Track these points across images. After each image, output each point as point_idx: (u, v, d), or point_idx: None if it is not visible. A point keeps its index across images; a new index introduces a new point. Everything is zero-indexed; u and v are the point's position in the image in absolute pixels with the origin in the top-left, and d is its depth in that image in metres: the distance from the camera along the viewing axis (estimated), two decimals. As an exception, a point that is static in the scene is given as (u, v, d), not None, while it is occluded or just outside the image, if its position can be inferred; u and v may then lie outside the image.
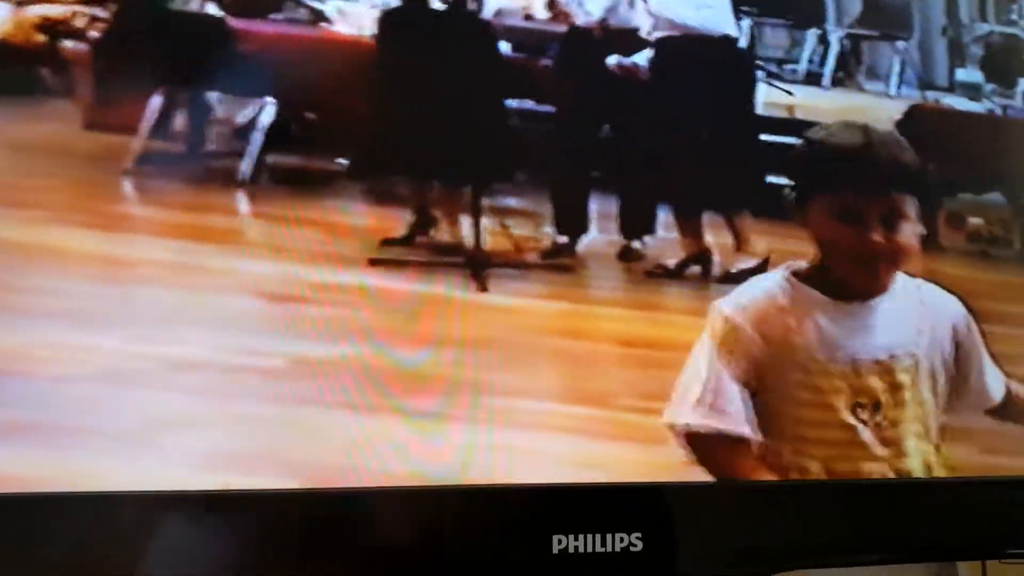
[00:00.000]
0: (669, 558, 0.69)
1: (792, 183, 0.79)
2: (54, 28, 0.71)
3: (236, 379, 0.67)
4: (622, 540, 0.67)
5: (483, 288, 0.73)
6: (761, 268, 0.80)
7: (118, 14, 0.71)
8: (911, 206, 0.77)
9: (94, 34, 0.71)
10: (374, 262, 0.71)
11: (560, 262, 0.76)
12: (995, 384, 0.81)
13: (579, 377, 0.73)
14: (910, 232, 0.77)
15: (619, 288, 0.77)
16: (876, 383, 0.76)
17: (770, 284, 0.77)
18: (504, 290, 0.74)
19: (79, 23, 0.71)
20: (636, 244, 0.78)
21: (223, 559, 0.64)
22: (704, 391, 0.73)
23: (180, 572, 0.63)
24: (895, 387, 0.77)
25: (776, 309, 0.76)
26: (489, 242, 0.75)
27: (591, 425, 0.72)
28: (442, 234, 0.74)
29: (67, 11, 0.72)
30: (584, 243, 0.77)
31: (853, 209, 0.76)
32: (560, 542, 0.66)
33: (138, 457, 0.64)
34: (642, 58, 0.81)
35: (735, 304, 0.75)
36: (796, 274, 0.77)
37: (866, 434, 0.76)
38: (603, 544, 0.66)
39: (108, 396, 0.64)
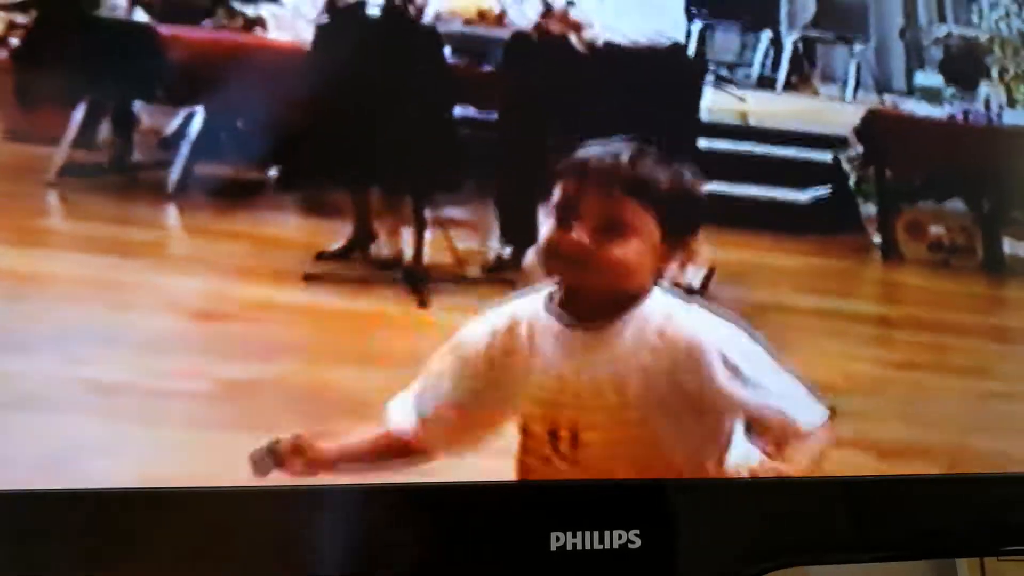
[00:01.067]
0: (667, 555, 0.67)
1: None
2: (-28, 34, 0.67)
3: (160, 403, 0.62)
4: (620, 537, 0.65)
5: (423, 304, 0.69)
6: (707, 278, 0.75)
7: (39, 20, 0.66)
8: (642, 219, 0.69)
9: (14, 41, 0.66)
10: (308, 277, 0.67)
11: (503, 276, 0.71)
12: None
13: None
14: (637, 248, 0.69)
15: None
16: (576, 407, 0.69)
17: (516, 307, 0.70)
18: (444, 305, 0.69)
19: (-2, 29, 0.67)
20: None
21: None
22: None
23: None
24: (601, 410, 0.69)
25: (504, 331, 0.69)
26: (430, 255, 0.70)
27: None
28: (381, 247, 0.69)
29: (-14, 17, 0.67)
30: (530, 256, 0.72)
31: (568, 204, 0.68)
32: (558, 539, 0.64)
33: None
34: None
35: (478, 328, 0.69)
36: (549, 296, 0.69)
37: (561, 464, 0.68)
38: (601, 541, 0.64)
39: (23, 422, 0.60)
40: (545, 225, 0.68)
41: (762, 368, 0.70)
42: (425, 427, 0.66)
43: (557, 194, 0.68)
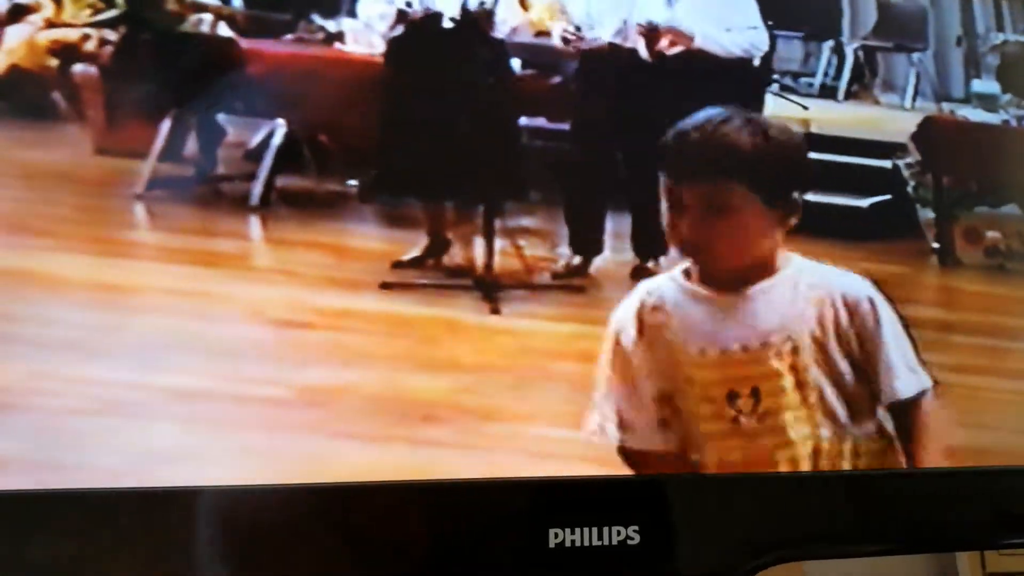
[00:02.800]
0: (666, 551, 0.63)
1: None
2: (65, 52, 0.65)
3: (241, 409, 0.60)
4: (619, 533, 0.61)
5: (495, 311, 0.66)
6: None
7: (127, 37, 0.64)
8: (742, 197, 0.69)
9: (104, 58, 0.64)
10: (385, 286, 0.64)
11: (572, 283, 0.68)
12: (902, 380, 0.71)
13: (589, 403, 0.66)
14: (737, 223, 0.69)
15: (631, 309, 0.69)
16: (751, 371, 0.69)
17: (651, 286, 0.69)
18: (516, 312, 0.66)
19: (89, 47, 0.65)
20: (650, 263, 0.70)
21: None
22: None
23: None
24: (770, 375, 0.69)
25: (650, 310, 0.68)
26: (501, 263, 0.67)
27: (600, 452, 0.65)
28: (453, 256, 0.67)
29: (78, 35, 0.65)
30: (597, 264, 0.69)
31: (672, 191, 0.68)
32: (557, 536, 0.60)
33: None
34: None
35: (620, 317, 0.68)
36: (685, 272, 0.69)
37: (747, 423, 0.68)
38: (600, 538, 0.61)
39: (106, 428, 0.58)
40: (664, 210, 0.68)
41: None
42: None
43: (663, 180, 0.68)
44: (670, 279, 0.69)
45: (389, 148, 0.67)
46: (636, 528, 0.62)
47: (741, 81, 0.77)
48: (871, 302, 0.71)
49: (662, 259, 0.71)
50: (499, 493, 0.63)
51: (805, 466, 0.69)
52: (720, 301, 0.69)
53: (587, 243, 0.70)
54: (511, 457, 0.64)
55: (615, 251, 0.70)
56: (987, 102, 0.83)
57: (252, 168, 0.65)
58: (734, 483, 0.69)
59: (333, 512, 0.60)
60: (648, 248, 0.71)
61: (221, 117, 0.65)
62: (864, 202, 0.78)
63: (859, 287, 0.71)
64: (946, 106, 0.82)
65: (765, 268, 0.70)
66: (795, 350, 0.69)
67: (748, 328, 0.69)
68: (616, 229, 0.71)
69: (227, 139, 0.65)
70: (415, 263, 0.66)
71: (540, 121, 0.71)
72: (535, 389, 0.66)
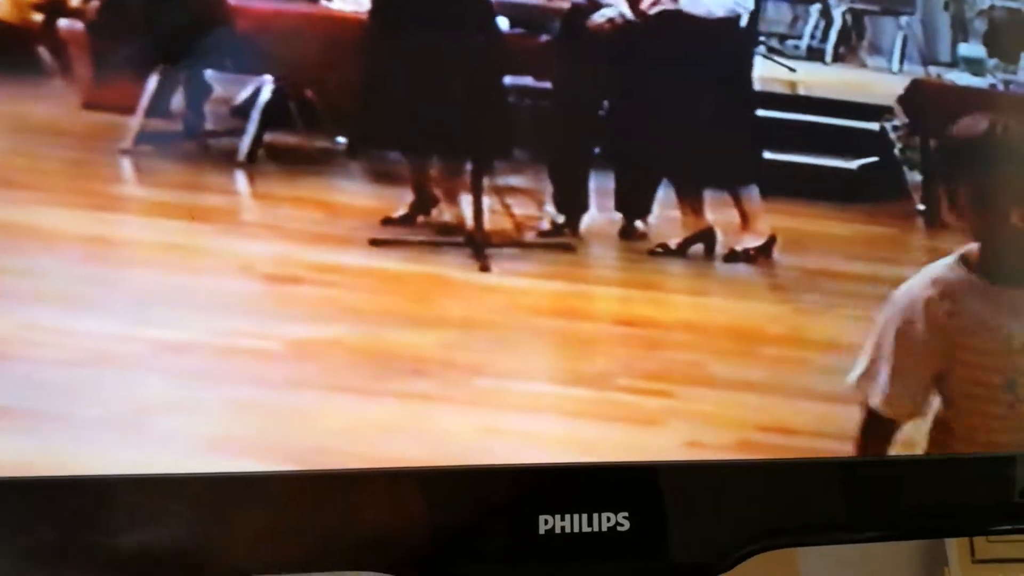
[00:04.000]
0: (656, 538, 0.64)
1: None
2: (50, 7, 0.65)
3: (230, 362, 0.61)
4: (609, 520, 0.62)
5: (485, 268, 0.67)
6: (767, 247, 0.73)
7: (114, -8, 0.64)
8: None
9: (90, 13, 0.64)
10: (375, 242, 0.65)
11: (561, 241, 0.69)
12: None
13: (577, 358, 0.67)
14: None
15: (620, 267, 0.70)
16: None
17: (936, 271, 0.75)
18: (505, 270, 0.67)
19: (75, 2, 0.65)
20: (638, 223, 0.71)
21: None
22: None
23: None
24: None
25: (938, 294, 0.74)
26: (491, 221, 0.68)
27: (588, 407, 0.66)
28: (443, 214, 0.67)
29: (63, -11, 0.65)
30: (585, 222, 0.70)
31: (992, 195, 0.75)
32: (547, 522, 0.61)
33: (125, 443, 0.58)
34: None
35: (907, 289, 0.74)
36: (964, 260, 0.75)
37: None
38: (590, 524, 0.62)
39: (95, 380, 0.59)
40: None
41: None
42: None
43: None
44: (951, 267, 0.75)
45: (376, 104, 0.67)
46: (626, 515, 0.63)
47: (728, 42, 0.77)
48: None
49: (651, 218, 0.72)
50: (489, 479, 0.64)
51: None
52: (1006, 293, 0.75)
53: (571, 202, 0.70)
54: (498, 411, 0.65)
55: (604, 210, 0.71)
56: (974, 66, 0.84)
57: (239, 124, 0.65)
58: (724, 470, 0.69)
59: (320, 499, 0.61)
60: (633, 207, 0.72)
61: (208, 73, 0.65)
62: (853, 164, 0.78)
63: None
64: (933, 70, 0.83)
65: None
66: None
67: None
68: (603, 188, 0.71)
69: (214, 95, 0.65)
70: (405, 220, 0.66)
71: (526, 80, 0.71)
72: (523, 345, 0.66)
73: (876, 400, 0.72)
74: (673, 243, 0.72)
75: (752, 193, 0.75)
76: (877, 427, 0.73)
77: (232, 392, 0.60)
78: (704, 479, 0.68)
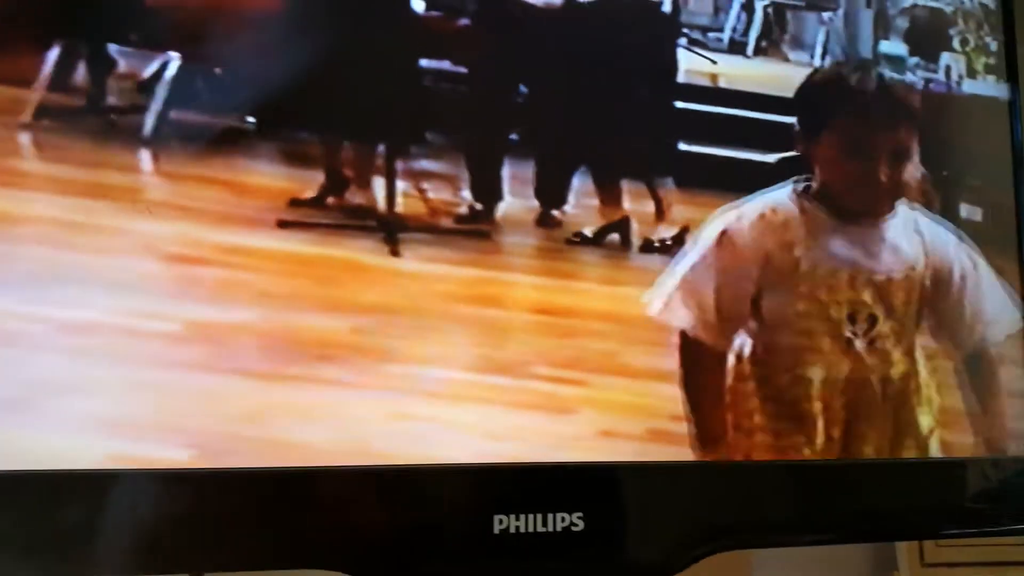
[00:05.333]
0: (611, 538, 0.66)
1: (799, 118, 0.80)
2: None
3: (130, 343, 0.60)
4: (563, 520, 0.63)
5: (395, 252, 0.66)
6: (680, 237, 0.74)
7: (14, -39, 0.63)
8: (916, 143, 0.80)
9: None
10: (283, 224, 0.64)
11: (477, 228, 0.69)
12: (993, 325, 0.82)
13: (491, 345, 0.67)
14: (913, 169, 0.79)
15: (536, 255, 0.70)
16: (871, 299, 0.76)
17: (774, 197, 0.77)
18: (417, 255, 0.67)
19: (-28, -30, 0.63)
20: (555, 211, 0.71)
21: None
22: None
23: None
24: (890, 308, 0.77)
25: (779, 222, 0.76)
26: (404, 206, 0.67)
27: (502, 395, 0.66)
28: (355, 197, 0.67)
29: (-39, -43, 0.63)
30: (502, 209, 0.70)
31: (863, 145, 0.79)
32: (501, 522, 0.62)
33: (20, 423, 0.57)
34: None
35: (735, 218, 0.76)
36: (803, 192, 0.78)
37: (858, 345, 0.76)
38: (544, 524, 0.63)
39: (-8, 358, 0.57)
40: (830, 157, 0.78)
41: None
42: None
43: (844, 131, 0.79)
44: (791, 197, 0.77)
45: (287, 84, 0.67)
46: (581, 515, 0.64)
47: (649, 31, 0.78)
48: (971, 256, 0.81)
49: (566, 207, 0.72)
50: (443, 479, 0.64)
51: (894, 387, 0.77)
52: (846, 230, 0.77)
53: (486, 189, 0.70)
54: (409, 398, 0.64)
55: (521, 197, 0.71)
56: (895, 64, 0.86)
57: (145, 100, 0.64)
58: (679, 471, 0.70)
59: (275, 497, 0.61)
60: (550, 196, 0.72)
61: (112, 48, 0.64)
62: (771, 157, 0.79)
63: (958, 243, 0.81)
64: (856, 66, 0.84)
65: (890, 206, 0.79)
66: (912, 289, 0.78)
67: (873, 260, 0.78)
68: (520, 175, 0.71)
69: (118, 70, 0.64)
70: (315, 202, 0.66)
71: (444, 64, 0.71)
72: (437, 332, 0.66)
73: (689, 324, 0.73)
74: (589, 232, 0.72)
75: (669, 184, 0.75)
76: (697, 354, 0.73)
77: (131, 374, 0.59)
78: (658, 480, 0.69)
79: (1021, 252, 0.86)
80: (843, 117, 0.81)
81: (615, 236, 0.73)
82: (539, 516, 0.63)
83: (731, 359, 0.74)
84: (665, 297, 0.72)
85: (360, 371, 0.64)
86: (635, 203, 0.74)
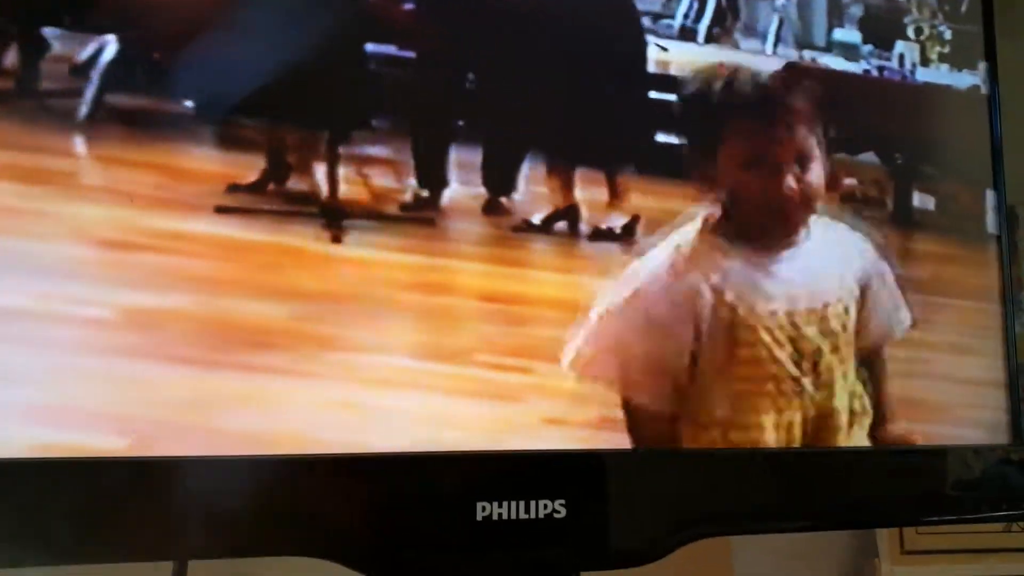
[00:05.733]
0: (593, 525, 0.66)
1: (689, 137, 0.76)
2: None
3: (61, 329, 0.59)
4: (546, 507, 0.64)
5: (337, 239, 0.65)
6: (630, 226, 0.73)
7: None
8: (817, 147, 0.76)
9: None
10: (221, 209, 0.63)
11: (422, 215, 0.68)
12: (899, 324, 0.80)
13: (436, 333, 0.66)
14: (818, 173, 0.76)
15: (482, 242, 0.69)
16: (813, 333, 0.74)
17: (681, 240, 0.74)
18: (360, 242, 0.66)
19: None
20: (503, 198, 0.71)
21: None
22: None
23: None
24: (831, 335, 0.75)
25: (683, 266, 0.73)
26: (347, 192, 0.66)
27: (447, 382, 0.66)
28: (296, 182, 0.66)
29: None
30: (448, 196, 0.69)
31: (763, 155, 0.75)
32: (484, 509, 0.63)
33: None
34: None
35: (640, 276, 0.73)
36: (713, 228, 0.74)
37: (807, 383, 0.74)
38: (527, 511, 0.63)
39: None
40: (729, 172, 0.74)
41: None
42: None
43: (741, 141, 0.75)
44: (700, 236, 0.74)
45: (228, 67, 0.66)
46: (563, 502, 0.64)
47: (613, 14, 0.77)
48: (883, 271, 0.79)
49: (514, 195, 0.71)
50: (426, 466, 0.64)
51: (842, 435, 0.75)
52: (768, 259, 0.75)
53: (432, 175, 0.69)
54: (350, 386, 0.63)
55: (467, 184, 0.70)
56: (849, 51, 0.86)
57: (80, 84, 0.63)
58: (659, 458, 0.70)
59: (259, 484, 0.61)
60: (498, 183, 0.71)
61: (47, 30, 0.63)
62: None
63: (868, 247, 0.79)
64: (807, 54, 0.84)
65: (802, 223, 0.76)
66: (846, 311, 0.76)
67: (805, 289, 0.75)
68: (466, 162, 0.70)
69: (52, 53, 0.63)
70: (255, 187, 0.65)
71: (390, 48, 0.70)
72: (379, 319, 0.65)
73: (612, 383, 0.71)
74: (537, 219, 0.72)
75: (627, 172, 0.75)
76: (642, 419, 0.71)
77: (62, 360, 0.58)
78: (640, 468, 0.70)
79: (1000, 245, 0.87)
80: (735, 129, 0.77)
81: (563, 224, 0.72)
82: (522, 503, 0.63)
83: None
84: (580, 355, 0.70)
85: (299, 359, 0.63)
86: (585, 190, 0.73)
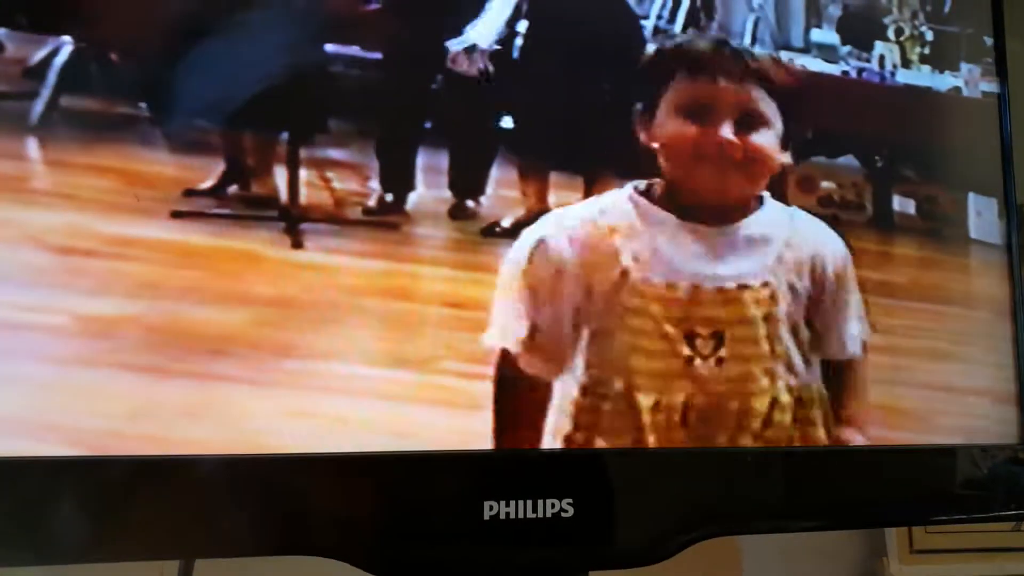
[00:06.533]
0: (600, 524, 0.66)
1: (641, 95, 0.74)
2: None
3: (14, 337, 0.58)
4: (553, 506, 0.64)
5: (297, 244, 0.64)
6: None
7: None
8: (769, 109, 0.73)
9: None
10: (177, 214, 0.62)
11: (386, 219, 0.67)
12: (854, 337, 0.76)
13: (398, 340, 0.65)
14: (767, 137, 0.73)
15: (448, 247, 0.68)
16: (719, 313, 0.70)
17: (609, 201, 0.71)
18: (322, 247, 0.65)
19: None
20: (470, 202, 0.70)
21: None
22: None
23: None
24: (743, 320, 0.71)
25: (606, 230, 0.70)
26: (308, 196, 0.65)
27: (408, 390, 0.65)
28: (255, 186, 0.65)
29: None
30: (413, 200, 0.68)
31: (702, 102, 0.71)
32: (491, 508, 0.63)
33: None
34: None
35: (556, 229, 0.70)
36: (643, 192, 0.71)
37: (703, 367, 0.70)
38: (534, 510, 0.63)
39: None
40: (667, 124, 0.71)
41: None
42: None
43: (677, 91, 0.71)
44: (629, 199, 0.70)
45: (185, 69, 0.65)
46: (570, 501, 0.64)
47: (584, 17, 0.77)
48: (845, 260, 0.76)
49: (482, 199, 0.70)
50: (434, 465, 0.64)
51: (756, 418, 0.72)
52: (696, 231, 0.71)
53: (397, 179, 0.68)
54: (308, 394, 0.63)
55: (433, 188, 0.69)
56: (827, 52, 0.85)
57: (33, 86, 0.62)
58: (667, 457, 0.70)
59: (267, 483, 0.61)
60: (466, 186, 0.70)
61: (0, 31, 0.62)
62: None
63: (837, 245, 0.76)
64: (785, 55, 0.83)
65: (751, 202, 0.73)
66: (772, 297, 0.72)
67: (723, 267, 0.71)
68: (433, 165, 0.69)
69: (5, 55, 0.62)
70: (212, 192, 0.64)
71: (353, 50, 0.69)
72: (340, 326, 0.65)
73: (518, 355, 0.68)
74: (507, 223, 0.71)
75: (606, 176, 0.74)
76: (519, 388, 0.68)
77: (12, 368, 0.57)
78: (648, 467, 0.69)
79: (1011, 252, 0.86)
80: (679, 80, 0.73)
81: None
82: (529, 502, 0.63)
83: (561, 388, 0.69)
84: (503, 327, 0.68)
85: (256, 366, 0.62)
86: (559, 195, 0.72)
